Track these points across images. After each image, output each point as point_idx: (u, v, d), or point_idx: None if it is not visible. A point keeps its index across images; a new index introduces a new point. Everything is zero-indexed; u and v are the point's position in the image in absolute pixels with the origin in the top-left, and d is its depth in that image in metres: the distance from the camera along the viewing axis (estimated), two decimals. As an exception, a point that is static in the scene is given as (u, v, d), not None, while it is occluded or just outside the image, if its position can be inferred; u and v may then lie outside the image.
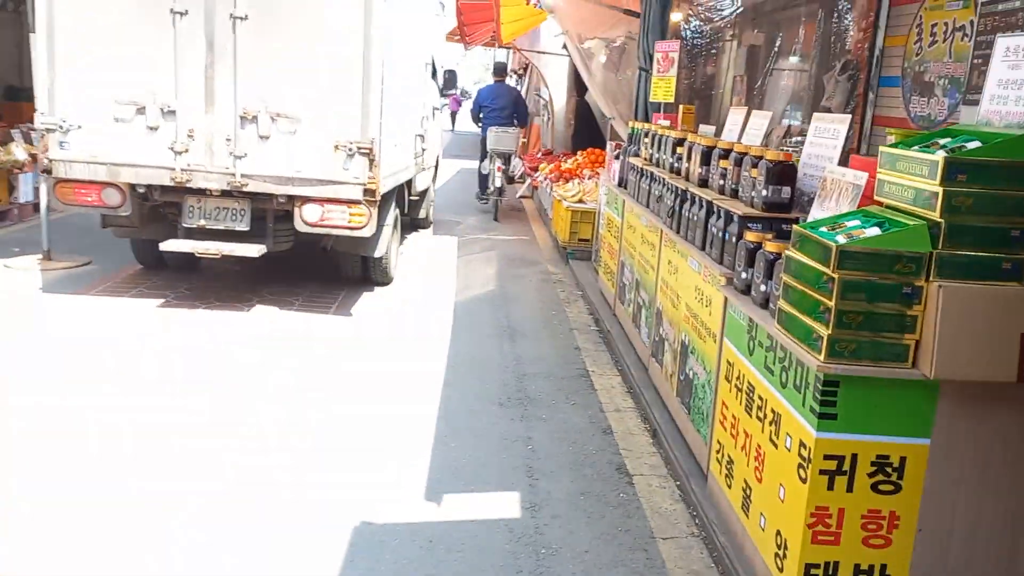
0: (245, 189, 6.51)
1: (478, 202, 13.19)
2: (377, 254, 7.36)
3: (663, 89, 7.65)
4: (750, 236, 3.63)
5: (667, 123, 6.92)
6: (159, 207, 6.95)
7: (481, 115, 12.89)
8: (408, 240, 10.07)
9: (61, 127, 6.41)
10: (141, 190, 6.63)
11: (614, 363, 6.18)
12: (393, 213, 7.82)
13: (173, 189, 6.60)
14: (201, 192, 6.62)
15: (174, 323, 6.39)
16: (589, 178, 10.50)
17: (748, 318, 3.52)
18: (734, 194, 4.36)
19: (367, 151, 6.45)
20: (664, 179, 5.35)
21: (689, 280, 4.60)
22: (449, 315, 7.16)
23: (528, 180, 13.81)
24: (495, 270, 9.05)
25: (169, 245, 6.67)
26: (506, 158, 12.60)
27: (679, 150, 5.40)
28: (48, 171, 6.56)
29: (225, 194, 6.62)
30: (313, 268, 8.19)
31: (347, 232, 6.67)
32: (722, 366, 3.87)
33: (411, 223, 10.39)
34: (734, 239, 3.85)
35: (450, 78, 12.28)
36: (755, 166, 4.08)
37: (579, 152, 12.41)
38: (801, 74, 7.68)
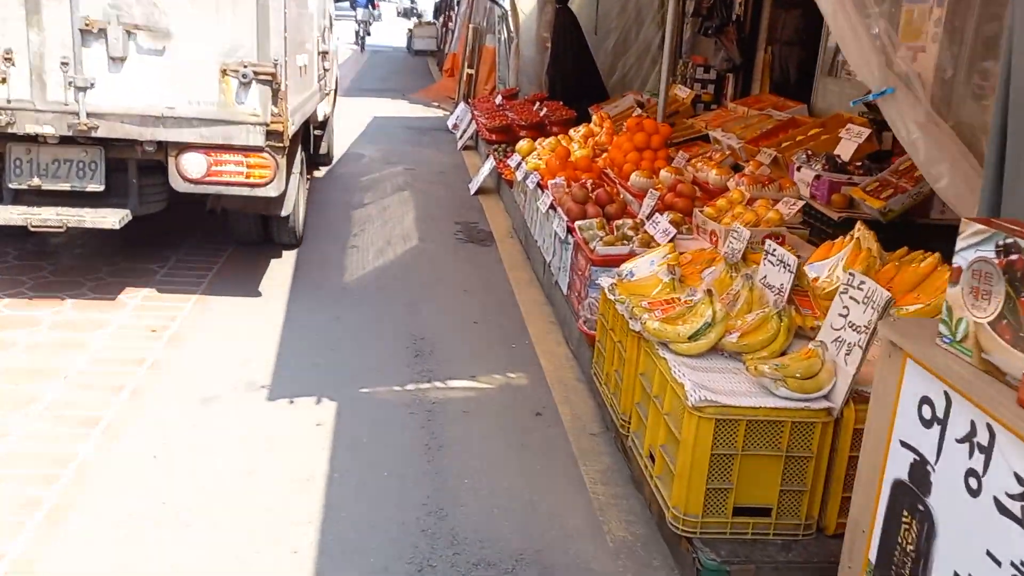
0: (95, 134, 4.65)
1: None
2: (284, 213, 5.58)
3: None
4: None
5: None
6: (-29, 160, 4.98)
7: None
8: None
9: None
10: (-60, 138, 4.66)
11: None
12: (299, 157, 6.02)
13: (-11, 136, 4.67)
14: (31, 139, 4.71)
15: None
16: (698, 267, 3.82)
17: None
18: None
19: (269, 77, 4.66)
20: None
21: None
22: None
23: (487, 155, 8.85)
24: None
25: (-12, 216, 4.74)
26: None
27: None
28: None
29: (66, 141, 4.73)
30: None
31: (246, 191, 4.90)
32: None
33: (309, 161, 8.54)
34: None
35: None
36: None
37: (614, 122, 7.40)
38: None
